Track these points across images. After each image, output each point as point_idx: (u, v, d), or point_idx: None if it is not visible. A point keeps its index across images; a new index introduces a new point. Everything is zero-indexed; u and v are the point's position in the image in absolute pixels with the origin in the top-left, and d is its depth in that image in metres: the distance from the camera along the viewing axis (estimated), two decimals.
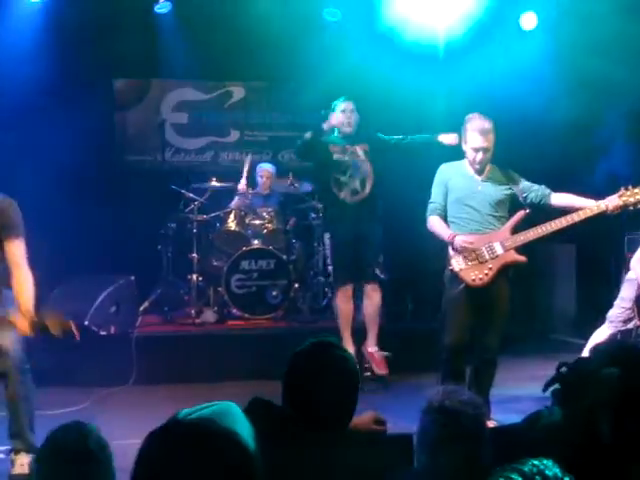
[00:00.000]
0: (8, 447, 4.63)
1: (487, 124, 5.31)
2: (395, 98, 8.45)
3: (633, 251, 6.45)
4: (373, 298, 6.63)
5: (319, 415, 2.47)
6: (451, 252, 5.29)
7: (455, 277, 5.25)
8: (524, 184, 5.44)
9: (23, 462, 4.50)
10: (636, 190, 5.11)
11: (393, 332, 7.20)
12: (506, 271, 5.29)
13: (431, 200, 5.51)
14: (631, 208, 5.14)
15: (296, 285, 7.88)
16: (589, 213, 5.13)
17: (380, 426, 2.89)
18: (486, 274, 5.18)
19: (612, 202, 5.11)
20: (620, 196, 5.11)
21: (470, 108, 5.57)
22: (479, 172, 5.41)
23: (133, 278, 7.28)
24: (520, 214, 5.29)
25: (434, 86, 8.43)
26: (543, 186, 5.43)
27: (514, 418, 2.49)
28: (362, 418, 2.80)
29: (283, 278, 7.75)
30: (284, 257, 7.83)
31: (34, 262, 4.61)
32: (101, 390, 6.32)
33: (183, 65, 8.90)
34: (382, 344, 6.72)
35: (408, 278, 8.27)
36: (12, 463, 4.52)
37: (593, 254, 8.60)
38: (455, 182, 5.42)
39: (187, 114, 9.48)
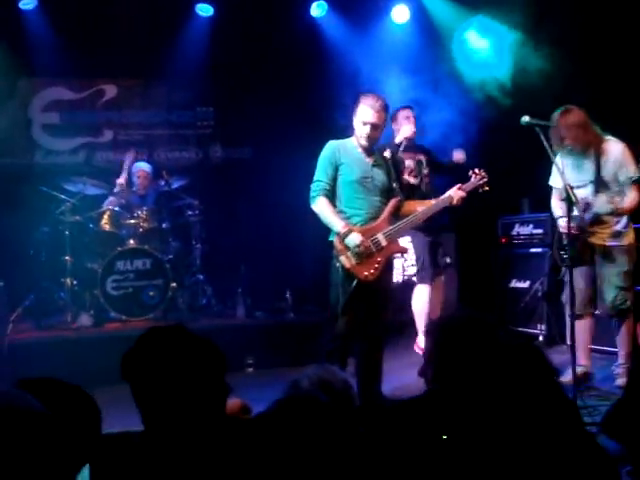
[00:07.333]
0: None
1: (381, 102, 5.14)
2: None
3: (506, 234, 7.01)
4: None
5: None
6: (338, 245, 5.10)
7: (347, 273, 5.08)
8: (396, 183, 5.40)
9: None
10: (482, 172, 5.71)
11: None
12: (391, 261, 5.36)
13: (318, 178, 5.21)
14: (480, 190, 5.66)
15: (173, 284, 7.70)
16: (441, 204, 5.52)
17: (246, 414, 2.88)
18: (376, 267, 5.11)
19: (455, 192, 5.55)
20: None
21: None
22: (368, 153, 5.24)
23: (2, 284, 6.98)
24: (394, 202, 5.25)
25: None
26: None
27: None
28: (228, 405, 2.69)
29: (160, 278, 7.60)
30: (160, 256, 7.67)
31: None
32: None
33: (52, 63, 8.60)
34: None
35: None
36: None
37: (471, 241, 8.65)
38: (347, 163, 5.19)
39: (58, 114, 9.16)
